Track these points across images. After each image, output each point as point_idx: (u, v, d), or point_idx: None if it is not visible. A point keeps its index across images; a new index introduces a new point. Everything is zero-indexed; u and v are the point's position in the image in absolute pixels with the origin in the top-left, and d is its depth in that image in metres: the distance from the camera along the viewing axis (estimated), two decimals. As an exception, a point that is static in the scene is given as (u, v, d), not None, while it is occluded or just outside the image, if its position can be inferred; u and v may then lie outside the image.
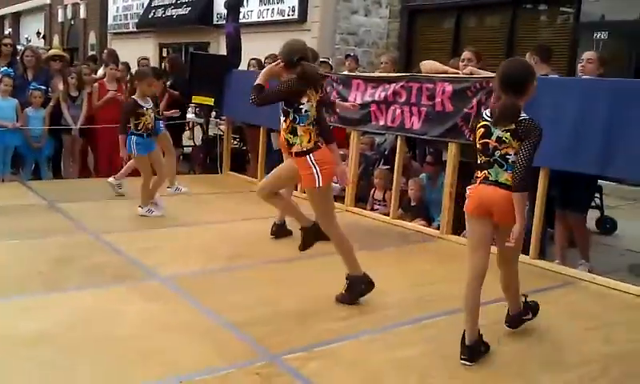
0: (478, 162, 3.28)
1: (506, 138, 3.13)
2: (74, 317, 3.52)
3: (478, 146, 3.26)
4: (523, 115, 3.14)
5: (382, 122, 6.33)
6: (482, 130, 3.22)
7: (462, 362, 3.21)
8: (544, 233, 5.35)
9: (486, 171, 3.23)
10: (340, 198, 7.10)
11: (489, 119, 3.22)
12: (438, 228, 5.88)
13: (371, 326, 3.63)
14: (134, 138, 5.77)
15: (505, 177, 3.17)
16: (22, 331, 3.28)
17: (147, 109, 5.78)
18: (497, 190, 3.18)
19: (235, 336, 3.39)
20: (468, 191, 3.36)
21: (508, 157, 3.15)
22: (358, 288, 3.93)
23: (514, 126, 3.11)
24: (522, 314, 3.65)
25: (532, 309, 3.71)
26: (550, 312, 4.03)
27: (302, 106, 3.70)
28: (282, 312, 3.77)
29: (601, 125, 4.58)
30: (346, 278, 3.93)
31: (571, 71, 9.40)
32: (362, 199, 7.03)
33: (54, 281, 4.11)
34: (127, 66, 9.67)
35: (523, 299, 3.67)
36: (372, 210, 6.83)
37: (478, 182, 3.28)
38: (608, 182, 6.64)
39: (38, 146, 7.66)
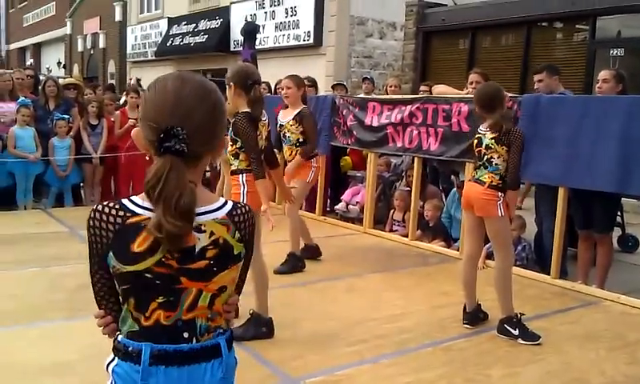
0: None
1: (492, 144, 3.79)
2: (96, 344, 3.53)
3: (475, 152, 3.95)
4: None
5: (399, 144, 6.36)
6: (476, 140, 3.95)
7: (465, 325, 3.96)
8: (565, 252, 5.30)
9: (474, 171, 3.98)
10: (358, 220, 7.11)
11: (481, 131, 3.89)
12: (458, 249, 5.86)
13: (391, 349, 3.62)
14: None
15: (485, 175, 3.80)
16: (43, 360, 3.29)
17: None
18: (475, 186, 3.84)
19: (256, 361, 3.39)
20: None
21: (492, 160, 3.79)
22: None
23: (497, 134, 3.77)
24: (504, 322, 3.82)
25: (521, 328, 3.78)
26: (573, 332, 3.99)
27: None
28: (302, 335, 3.77)
29: (618, 142, 4.56)
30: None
31: (587, 88, 9.36)
32: (379, 221, 7.03)
33: (75, 308, 4.13)
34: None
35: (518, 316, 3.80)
36: (391, 231, 6.83)
37: (467, 180, 4.14)
38: (629, 199, 6.55)
39: (64, 174, 7.78)
